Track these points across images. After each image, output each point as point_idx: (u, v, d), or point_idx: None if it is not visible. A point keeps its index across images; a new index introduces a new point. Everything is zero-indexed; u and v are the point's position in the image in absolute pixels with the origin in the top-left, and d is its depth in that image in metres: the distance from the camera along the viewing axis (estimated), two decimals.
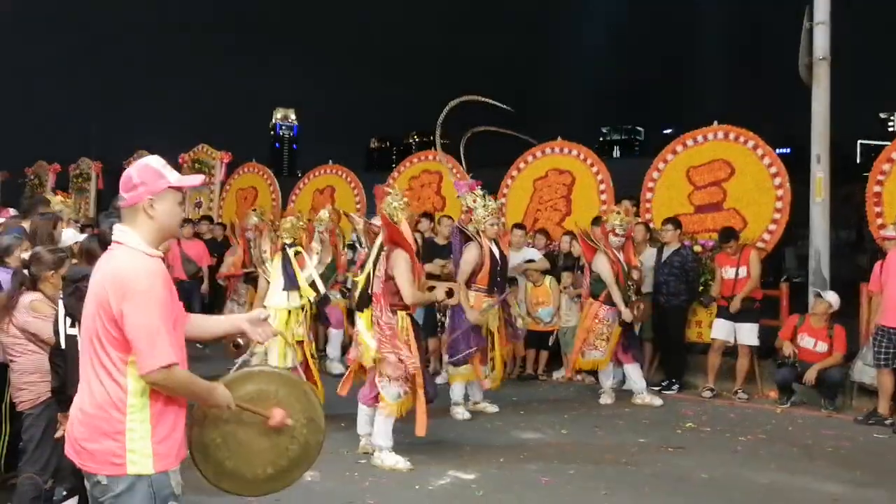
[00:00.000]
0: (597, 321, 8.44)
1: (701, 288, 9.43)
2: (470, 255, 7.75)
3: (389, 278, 6.17)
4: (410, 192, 12.76)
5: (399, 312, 6.21)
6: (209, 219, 13.96)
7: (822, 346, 8.21)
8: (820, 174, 9.22)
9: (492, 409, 8.04)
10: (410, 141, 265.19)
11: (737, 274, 8.86)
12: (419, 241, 10.27)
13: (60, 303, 4.19)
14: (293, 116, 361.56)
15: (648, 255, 9.41)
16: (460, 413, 7.75)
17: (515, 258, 9.88)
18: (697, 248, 9.59)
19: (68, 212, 8.72)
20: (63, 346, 4.06)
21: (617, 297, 8.30)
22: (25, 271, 4.92)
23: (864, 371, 8.08)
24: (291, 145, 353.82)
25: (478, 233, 7.79)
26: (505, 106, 9.45)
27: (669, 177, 10.33)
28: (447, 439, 6.98)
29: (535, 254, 10.06)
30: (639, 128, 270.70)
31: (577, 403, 8.54)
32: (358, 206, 13.66)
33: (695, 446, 6.91)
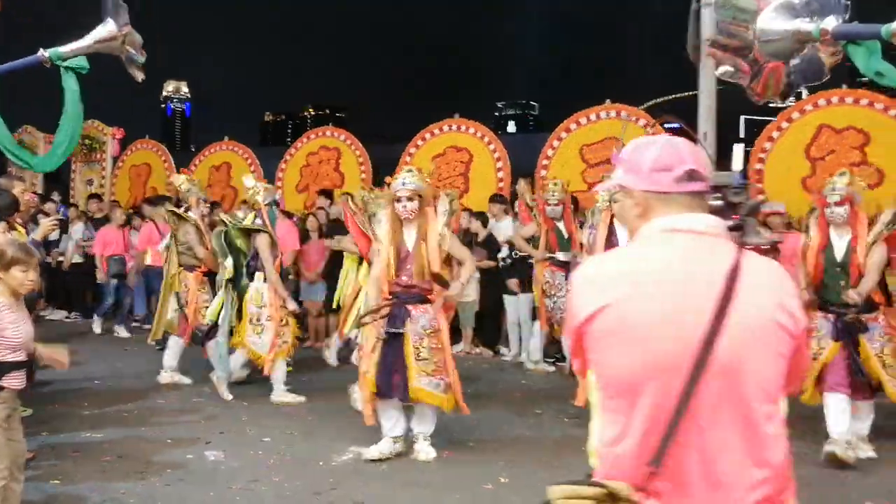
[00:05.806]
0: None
1: None
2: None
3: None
4: (308, 168, 12.73)
5: None
6: (98, 197, 13.51)
7: None
8: (707, 151, 9.56)
9: None
10: (306, 114, 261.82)
11: None
12: (323, 218, 10.33)
13: None
14: (185, 89, 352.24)
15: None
16: None
17: None
18: None
19: (196, 191, 8.18)
20: None
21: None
22: None
23: None
24: (184, 118, 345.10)
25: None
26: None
27: (563, 154, 10.58)
28: (348, 416, 7.03)
29: None
30: (533, 103, 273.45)
31: (476, 377, 8.70)
32: None
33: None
